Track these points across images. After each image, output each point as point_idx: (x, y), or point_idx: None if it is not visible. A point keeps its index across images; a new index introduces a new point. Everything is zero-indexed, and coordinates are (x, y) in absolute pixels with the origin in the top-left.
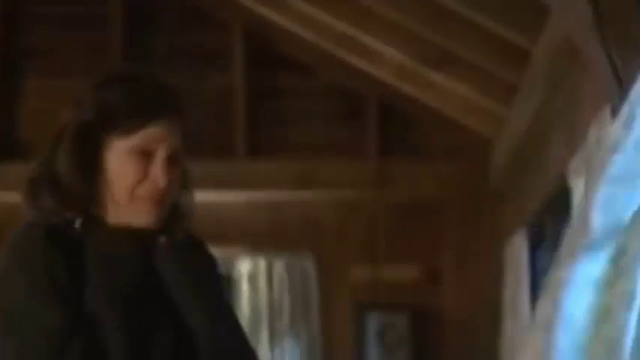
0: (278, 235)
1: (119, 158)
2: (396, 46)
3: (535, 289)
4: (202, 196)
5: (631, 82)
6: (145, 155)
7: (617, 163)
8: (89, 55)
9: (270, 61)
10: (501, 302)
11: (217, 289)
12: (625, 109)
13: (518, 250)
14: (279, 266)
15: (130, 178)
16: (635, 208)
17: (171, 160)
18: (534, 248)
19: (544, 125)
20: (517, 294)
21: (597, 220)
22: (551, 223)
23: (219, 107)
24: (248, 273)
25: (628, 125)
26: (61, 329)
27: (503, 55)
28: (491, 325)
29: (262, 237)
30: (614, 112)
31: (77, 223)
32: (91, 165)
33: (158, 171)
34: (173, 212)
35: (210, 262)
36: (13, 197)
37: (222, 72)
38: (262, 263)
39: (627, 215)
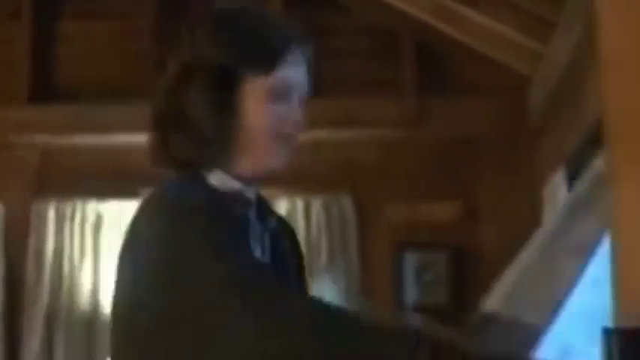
0: (316, 174)
1: (258, 99)
2: None
3: None
4: None
5: None
6: (282, 96)
7: None
8: None
9: (306, 0)
10: None
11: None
12: None
13: (556, 187)
14: (316, 206)
15: (271, 119)
16: None
17: (302, 103)
18: (573, 186)
19: (582, 62)
20: None
21: None
22: (590, 160)
23: None
24: (286, 213)
25: None
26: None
27: None
28: None
29: (300, 177)
30: None
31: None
32: (225, 107)
33: (297, 112)
34: None
35: (283, 220)
36: (48, 139)
37: None
38: (300, 203)
39: None
